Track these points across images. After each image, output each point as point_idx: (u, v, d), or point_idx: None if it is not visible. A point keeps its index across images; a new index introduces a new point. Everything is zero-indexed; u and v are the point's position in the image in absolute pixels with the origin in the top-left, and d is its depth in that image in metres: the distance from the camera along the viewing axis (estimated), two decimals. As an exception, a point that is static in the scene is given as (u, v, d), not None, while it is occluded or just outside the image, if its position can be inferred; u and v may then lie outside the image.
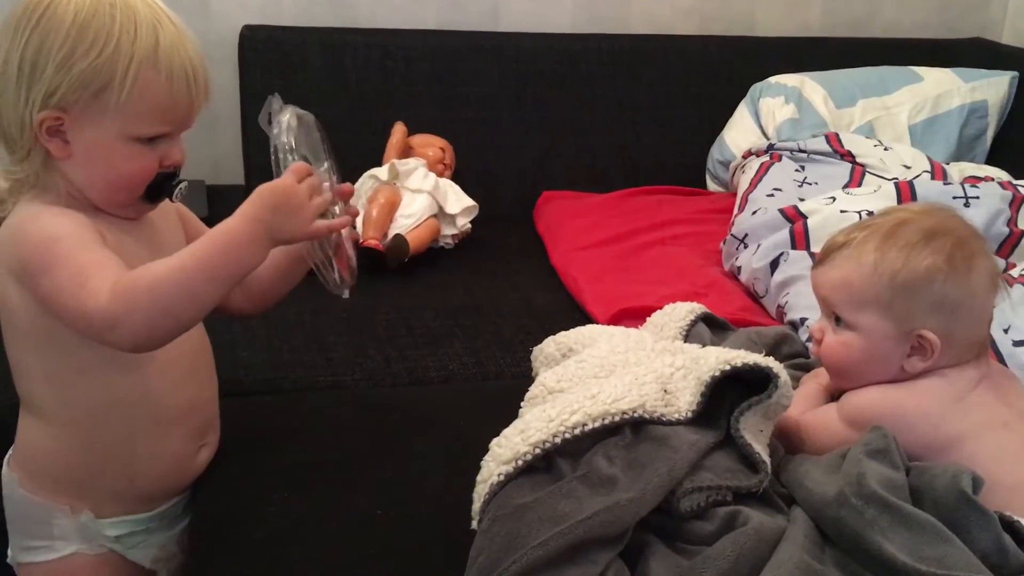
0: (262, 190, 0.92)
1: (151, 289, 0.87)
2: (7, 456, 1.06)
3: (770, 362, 0.93)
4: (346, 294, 1.04)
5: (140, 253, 0.96)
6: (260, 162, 2.04)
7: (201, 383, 1.08)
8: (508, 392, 1.12)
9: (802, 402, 1.07)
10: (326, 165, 1.01)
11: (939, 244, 0.96)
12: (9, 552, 1.07)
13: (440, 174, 1.96)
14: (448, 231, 1.90)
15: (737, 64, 2.30)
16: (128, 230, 0.97)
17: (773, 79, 2.23)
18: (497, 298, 1.72)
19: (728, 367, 0.93)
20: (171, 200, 0.98)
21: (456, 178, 2.00)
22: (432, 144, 2.01)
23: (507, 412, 1.07)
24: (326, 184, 0.98)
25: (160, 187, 0.96)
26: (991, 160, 2.19)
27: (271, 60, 2.04)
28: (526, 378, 1.17)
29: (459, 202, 1.90)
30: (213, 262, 0.89)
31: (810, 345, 1.27)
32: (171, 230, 1.05)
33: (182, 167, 0.98)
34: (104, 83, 0.88)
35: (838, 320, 1.02)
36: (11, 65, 0.89)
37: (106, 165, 0.92)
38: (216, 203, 2.01)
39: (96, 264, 0.89)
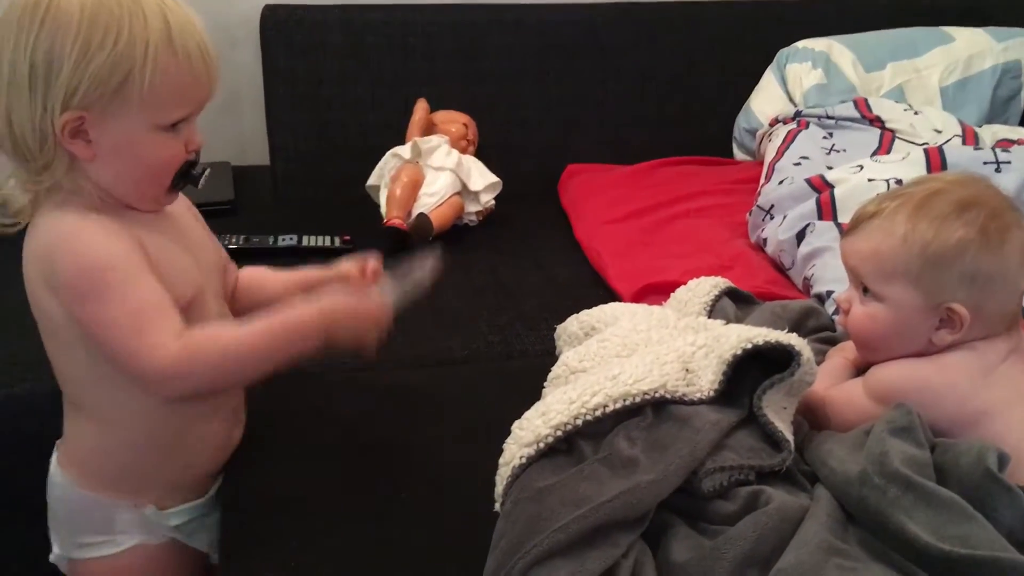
0: (353, 306, 0.98)
1: (217, 359, 0.91)
2: (54, 456, 1.05)
3: (792, 339, 0.92)
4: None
5: (171, 247, 0.96)
6: (284, 142, 2.06)
7: None
8: (533, 371, 1.12)
9: (827, 377, 1.06)
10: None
11: (972, 216, 0.95)
12: (56, 550, 1.07)
13: (463, 150, 1.95)
14: (472, 208, 1.90)
15: (763, 29, 2.26)
16: (155, 226, 0.96)
17: (800, 44, 2.19)
18: (521, 275, 1.71)
19: (750, 345, 0.92)
20: (196, 186, 0.97)
21: (480, 154, 2.00)
22: (455, 120, 2.00)
23: (532, 391, 1.08)
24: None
25: (185, 174, 0.95)
26: (1025, 122, 2.14)
27: (293, 39, 2.04)
28: (551, 356, 1.17)
29: (482, 179, 1.90)
30: (279, 345, 0.94)
31: (836, 317, 1.26)
32: (186, 216, 1.04)
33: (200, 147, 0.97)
34: (125, 74, 0.85)
35: (866, 291, 1.01)
36: (20, 72, 0.84)
37: (134, 158, 0.90)
38: (242, 185, 2.03)
39: (155, 307, 0.89)
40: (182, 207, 1.05)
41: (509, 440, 0.92)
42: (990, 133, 1.95)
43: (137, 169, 0.91)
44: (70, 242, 0.89)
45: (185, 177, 0.95)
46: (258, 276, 1.15)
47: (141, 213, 0.95)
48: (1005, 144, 1.81)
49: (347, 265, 1.10)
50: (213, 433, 1.07)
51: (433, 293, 1.60)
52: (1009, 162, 1.57)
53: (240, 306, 1.11)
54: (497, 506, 0.89)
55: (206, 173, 0.98)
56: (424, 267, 1.08)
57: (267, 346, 0.93)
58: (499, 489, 0.89)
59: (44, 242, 0.90)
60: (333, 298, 0.97)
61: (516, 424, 0.93)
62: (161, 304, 0.90)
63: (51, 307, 0.92)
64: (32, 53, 0.84)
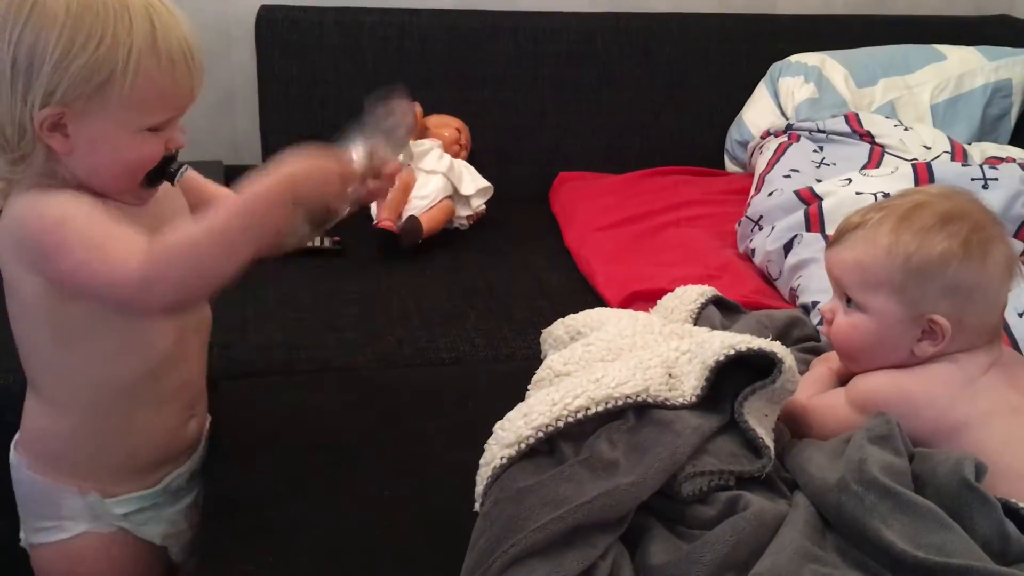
0: (310, 161, 0.90)
1: (188, 247, 0.86)
2: (14, 439, 1.07)
3: (775, 346, 0.93)
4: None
5: (147, 234, 0.95)
6: (277, 142, 2.06)
7: (193, 360, 1.09)
8: (519, 374, 1.13)
9: (811, 386, 1.07)
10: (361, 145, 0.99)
11: (955, 228, 0.95)
12: (21, 535, 1.09)
13: (456, 155, 1.96)
14: (463, 212, 1.91)
15: (757, 43, 2.27)
16: (134, 216, 0.95)
17: (793, 58, 2.21)
18: (510, 279, 1.72)
19: (732, 351, 0.92)
20: (171, 183, 0.97)
21: (472, 159, 2.00)
22: (448, 125, 2.01)
23: (517, 394, 1.08)
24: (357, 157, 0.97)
25: (161, 171, 0.94)
26: (1015, 140, 2.15)
27: (288, 40, 2.04)
28: (537, 360, 1.17)
29: (474, 183, 1.90)
30: (246, 221, 0.87)
31: (821, 327, 1.26)
32: (172, 205, 1.04)
33: (183, 148, 0.96)
34: (106, 76, 0.85)
35: (849, 301, 1.02)
36: (2, 66, 0.85)
37: (111, 155, 0.90)
38: (234, 183, 2.02)
39: (116, 233, 0.87)
40: (170, 196, 1.04)
41: (491, 441, 0.92)
42: (979, 151, 1.97)
43: (114, 165, 0.91)
44: (32, 208, 0.89)
45: (160, 174, 0.95)
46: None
47: (116, 204, 0.94)
48: (993, 161, 1.83)
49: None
50: (162, 422, 1.06)
51: (424, 295, 1.63)
52: (996, 179, 1.58)
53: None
54: (477, 506, 0.89)
55: (183, 170, 0.97)
56: (395, 113, 1.01)
57: (236, 226, 0.87)
58: (479, 489, 0.89)
59: (10, 216, 0.90)
60: (291, 161, 0.90)
61: (498, 425, 0.93)
62: (124, 231, 0.88)
63: (22, 283, 0.93)
64: (15, 47, 0.84)
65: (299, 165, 0.90)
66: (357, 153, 0.97)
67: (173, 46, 0.88)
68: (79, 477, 1.04)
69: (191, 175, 1.07)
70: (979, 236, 0.95)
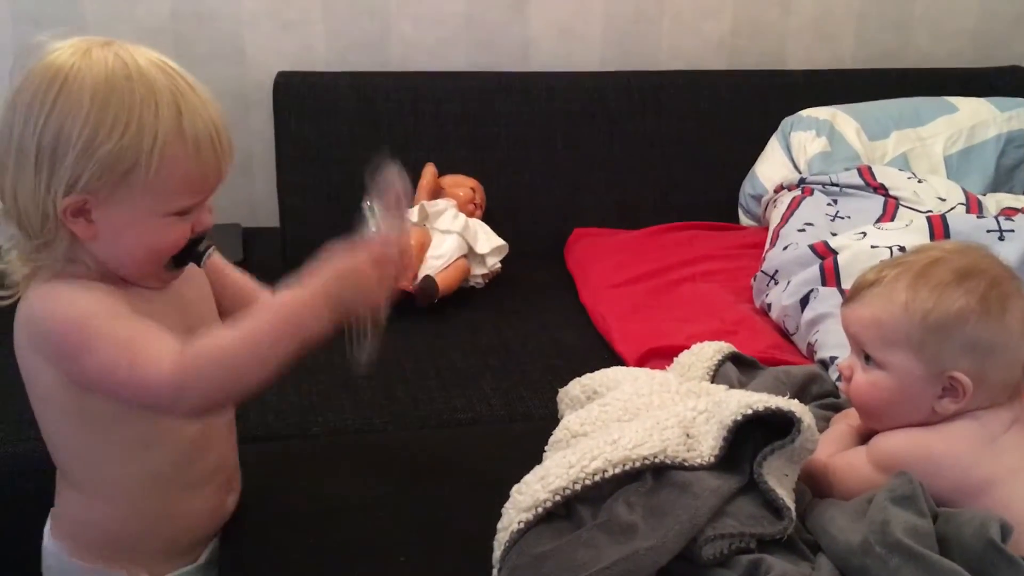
0: (340, 266, 0.89)
1: (218, 356, 0.86)
2: (48, 525, 1.04)
3: (793, 405, 0.92)
4: (361, 370, 0.98)
5: (170, 322, 0.93)
6: (294, 204, 2.09)
7: (226, 438, 1.08)
8: (535, 434, 1.12)
9: (831, 444, 1.05)
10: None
11: (972, 284, 0.95)
12: None
13: (471, 214, 1.98)
14: (478, 271, 1.92)
15: (768, 98, 2.29)
16: (154, 299, 0.94)
17: (804, 112, 2.22)
18: (526, 338, 1.72)
19: (750, 411, 0.92)
20: (199, 265, 0.95)
21: (487, 217, 2.02)
22: (463, 184, 2.02)
23: (533, 455, 1.07)
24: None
25: (187, 253, 0.93)
26: (1030, 191, 2.15)
27: (305, 104, 2.08)
28: (553, 419, 1.16)
29: (489, 242, 1.92)
30: (280, 333, 0.87)
31: (840, 384, 1.25)
32: (197, 289, 1.03)
33: (211, 230, 0.95)
34: (131, 164, 0.84)
35: (868, 358, 1.01)
36: (27, 152, 0.83)
37: (135, 241, 0.88)
38: (251, 246, 2.05)
39: (143, 334, 0.86)
40: (191, 277, 1.03)
41: (508, 504, 0.91)
42: (994, 202, 1.97)
43: (137, 250, 0.89)
44: (50, 304, 0.88)
45: (188, 256, 0.93)
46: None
47: (137, 290, 0.93)
48: (1009, 212, 1.82)
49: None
50: (203, 502, 1.05)
51: (439, 355, 1.62)
52: (1013, 231, 1.58)
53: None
54: (495, 572, 0.88)
55: (209, 251, 0.95)
56: (393, 185, 0.96)
57: (272, 335, 0.87)
58: (497, 554, 0.88)
59: (29, 310, 0.89)
60: (328, 266, 0.89)
61: (515, 488, 0.93)
62: (149, 330, 0.87)
63: (41, 375, 0.91)
64: (40, 134, 0.83)
65: (334, 271, 0.89)
66: (388, 232, 0.94)
67: (200, 130, 0.86)
68: (126, 561, 1.01)
69: (214, 258, 1.06)
70: (997, 292, 0.95)
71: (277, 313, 0.88)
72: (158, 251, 0.91)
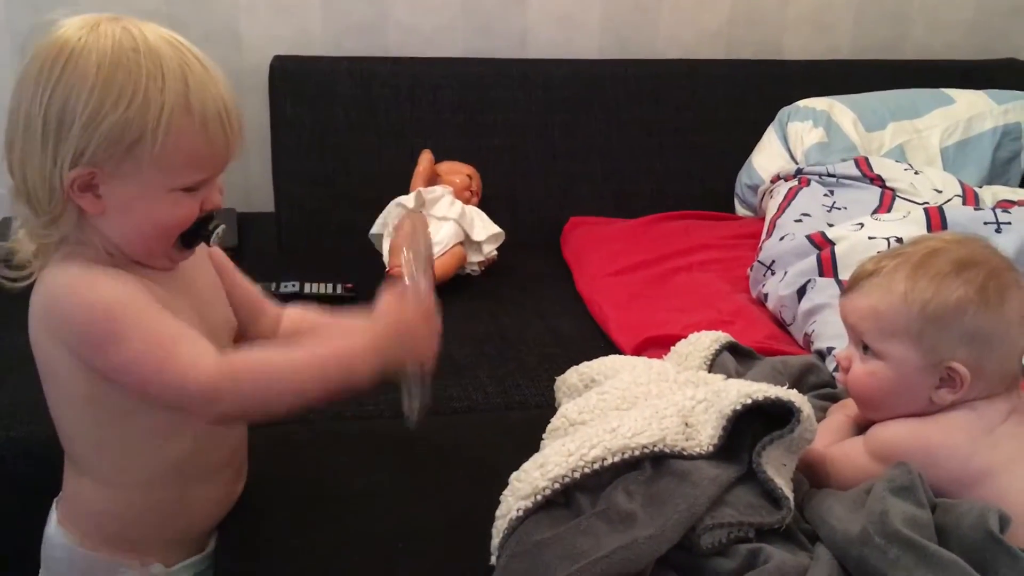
0: (396, 320, 0.93)
1: (262, 374, 0.87)
2: (53, 514, 1.03)
3: (792, 395, 0.92)
4: (413, 424, 1.01)
5: (181, 305, 0.93)
6: (289, 190, 2.08)
7: (234, 430, 1.07)
8: (532, 422, 1.12)
9: (828, 434, 1.06)
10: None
11: (971, 275, 0.95)
12: None
13: (467, 201, 1.97)
14: (474, 258, 1.91)
15: (765, 88, 2.29)
16: (164, 283, 0.93)
17: (801, 103, 2.22)
18: (522, 326, 1.72)
19: (749, 400, 0.92)
20: (208, 244, 0.94)
21: (483, 205, 2.01)
22: (459, 171, 2.02)
23: (531, 443, 1.07)
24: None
25: (196, 232, 0.91)
26: (1025, 183, 2.15)
27: (301, 89, 2.07)
28: (550, 407, 1.17)
29: (485, 229, 1.91)
30: (327, 371, 0.90)
31: (837, 374, 1.25)
32: (204, 275, 1.02)
33: (220, 208, 0.94)
34: (136, 136, 0.83)
35: (866, 348, 1.01)
36: (34, 125, 0.83)
37: (142, 217, 0.87)
38: (246, 231, 2.04)
39: (177, 332, 0.86)
40: (202, 260, 1.03)
41: (506, 492, 0.91)
42: (990, 194, 1.97)
43: (146, 226, 0.88)
44: (76, 291, 0.86)
45: (196, 235, 0.92)
46: (306, 319, 1.12)
47: (149, 272, 0.92)
48: (1005, 205, 1.82)
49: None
50: (216, 491, 1.05)
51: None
52: (1009, 223, 1.58)
53: (301, 335, 1.09)
54: (493, 559, 0.88)
55: (219, 231, 0.94)
56: (418, 231, 1.01)
57: (319, 371, 0.89)
58: (495, 542, 0.88)
59: (49, 295, 0.88)
60: (384, 317, 0.92)
61: (514, 476, 0.93)
62: (185, 329, 0.87)
63: (58, 363, 0.90)
64: (47, 108, 0.83)
65: (390, 324, 0.92)
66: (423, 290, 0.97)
67: (208, 105, 0.85)
68: (139, 550, 1.01)
69: (226, 261, 1.08)
70: (996, 283, 0.95)
71: (331, 351, 0.91)
72: (166, 227, 0.89)
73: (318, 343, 0.92)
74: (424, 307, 0.94)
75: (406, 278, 0.97)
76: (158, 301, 0.89)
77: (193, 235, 0.92)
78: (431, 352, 0.96)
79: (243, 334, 1.08)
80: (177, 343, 0.86)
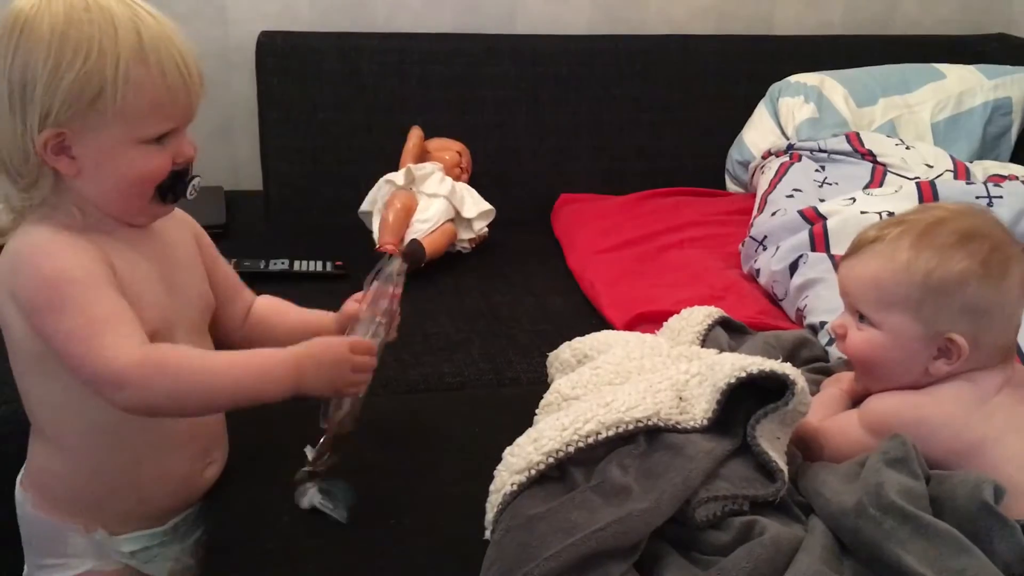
0: (322, 349, 0.94)
1: (175, 374, 0.88)
2: (20, 475, 1.05)
3: (787, 368, 0.92)
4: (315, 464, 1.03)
5: (145, 275, 0.94)
6: (277, 167, 2.06)
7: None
8: (524, 398, 1.12)
9: (822, 408, 1.05)
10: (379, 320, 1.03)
11: (975, 247, 0.94)
12: (25, 570, 1.07)
13: (457, 178, 1.96)
14: (465, 235, 1.90)
15: (756, 63, 2.27)
16: (138, 246, 0.95)
17: (792, 78, 2.21)
18: (514, 302, 1.71)
19: (744, 374, 0.91)
20: (186, 197, 0.96)
21: (473, 181, 2.00)
22: (449, 148, 2.00)
23: (524, 418, 1.07)
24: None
25: (172, 185, 0.94)
26: (1016, 158, 2.15)
27: (288, 65, 2.04)
28: (542, 384, 1.16)
29: (476, 206, 1.90)
30: (239, 380, 0.91)
31: (829, 349, 1.25)
32: (184, 248, 1.04)
33: (194, 161, 0.96)
34: (97, 90, 0.85)
35: (861, 317, 1.00)
36: (1, 94, 0.86)
37: (116, 172, 0.90)
38: (234, 210, 2.02)
39: (114, 317, 0.87)
40: (184, 235, 1.05)
41: (500, 467, 0.91)
42: (981, 169, 1.97)
43: (121, 182, 0.91)
44: (34, 255, 0.89)
45: (171, 189, 0.94)
46: (277, 308, 1.14)
47: (123, 234, 0.94)
48: (996, 179, 1.82)
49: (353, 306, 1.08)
50: (174, 468, 1.04)
51: (427, 319, 1.61)
52: (1001, 197, 1.58)
53: (253, 335, 1.12)
54: (488, 533, 0.88)
55: (194, 183, 0.96)
56: (387, 285, 1.04)
57: (233, 381, 0.91)
58: (490, 516, 0.88)
59: (12, 254, 0.90)
60: (313, 345, 0.94)
61: (507, 450, 0.92)
62: (122, 315, 0.88)
63: (14, 322, 0.92)
64: (9, 75, 0.85)
65: (313, 353, 0.94)
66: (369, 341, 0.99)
67: (163, 55, 0.88)
68: (85, 516, 1.02)
69: (209, 243, 1.10)
70: (999, 256, 0.94)
71: (248, 363, 0.93)
72: (140, 180, 0.92)
73: (240, 353, 0.94)
74: (358, 360, 0.96)
75: (359, 325, 1.01)
76: (125, 266, 0.92)
77: (169, 188, 0.94)
78: (352, 391, 0.98)
79: (219, 315, 1.10)
80: (106, 326, 0.87)
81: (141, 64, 0.87)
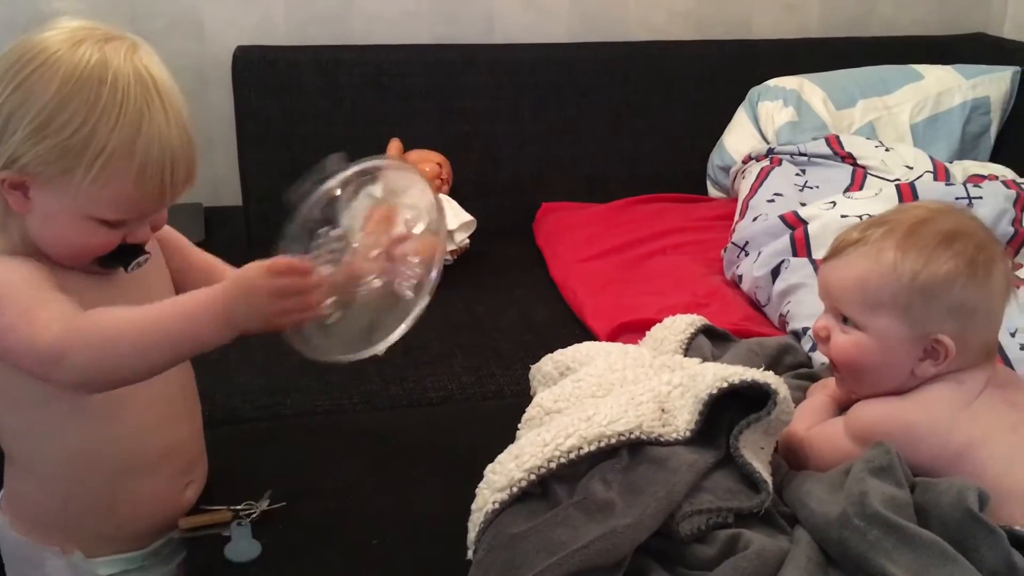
0: (239, 277, 0.87)
1: (104, 331, 0.84)
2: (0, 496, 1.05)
3: (769, 377, 0.91)
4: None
5: (100, 299, 0.91)
6: (257, 183, 2.04)
7: (180, 424, 1.05)
8: (507, 411, 1.10)
9: (809, 416, 1.04)
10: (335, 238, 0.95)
11: (960, 247, 0.94)
12: None
13: (438, 189, 1.94)
14: (446, 247, 1.89)
15: (735, 68, 2.28)
16: (97, 284, 0.94)
17: (771, 82, 2.21)
18: (497, 314, 1.70)
19: (726, 384, 0.90)
20: (126, 271, 0.94)
21: (454, 192, 1.99)
22: (429, 159, 1.99)
23: (507, 432, 1.06)
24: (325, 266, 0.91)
25: (115, 257, 0.92)
26: (995, 157, 2.16)
27: (265, 80, 2.03)
28: (525, 396, 1.15)
29: (457, 218, 1.89)
30: (169, 327, 0.85)
31: (813, 355, 1.25)
32: (152, 273, 1.01)
33: (148, 241, 0.94)
34: (71, 165, 0.84)
35: (845, 320, 0.99)
36: None
37: (62, 232, 0.89)
38: (214, 226, 2.01)
39: (46, 299, 0.86)
40: (150, 275, 1.01)
41: (482, 485, 0.90)
42: (961, 169, 1.97)
43: (61, 243, 0.90)
44: None
45: (113, 260, 0.92)
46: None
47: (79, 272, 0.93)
48: (976, 180, 1.83)
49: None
50: (151, 491, 1.02)
51: (409, 333, 1.60)
52: (981, 197, 1.58)
53: None
54: (470, 553, 0.86)
55: (139, 261, 0.93)
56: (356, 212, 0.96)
57: (163, 330, 0.85)
58: (472, 536, 0.87)
59: None
60: (236, 275, 0.87)
61: (489, 468, 0.91)
62: (54, 298, 0.86)
63: None
64: (1, 101, 0.84)
65: (233, 284, 0.86)
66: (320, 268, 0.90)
67: (152, 156, 0.86)
68: (62, 538, 1.01)
69: (175, 237, 1.06)
70: (984, 255, 0.94)
71: (174, 309, 0.87)
72: (82, 249, 0.90)
73: (168, 301, 0.89)
74: (279, 283, 0.86)
75: (284, 241, 0.92)
76: (78, 296, 0.88)
77: (111, 259, 0.92)
78: (286, 321, 0.88)
79: None
80: (39, 309, 0.85)
81: (125, 159, 0.85)
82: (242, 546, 0.99)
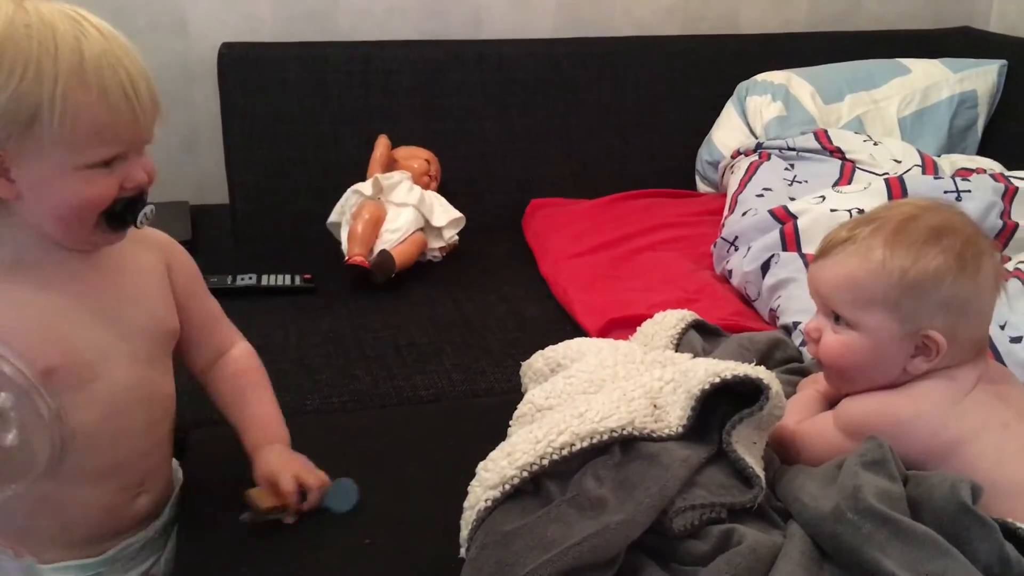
0: None
1: None
2: None
3: (761, 372, 0.91)
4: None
5: (63, 306, 0.90)
6: (244, 180, 2.03)
7: (135, 437, 1.00)
8: (499, 409, 1.10)
9: (799, 410, 1.05)
10: None
11: (949, 242, 0.94)
12: None
13: (426, 186, 1.94)
14: (435, 244, 1.88)
15: (722, 63, 2.27)
16: (83, 270, 0.91)
17: (759, 77, 2.21)
18: (486, 311, 1.69)
19: (718, 379, 0.90)
20: (136, 226, 0.91)
21: (442, 189, 1.98)
22: (417, 156, 1.98)
23: (498, 430, 1.05)
24: None
25: (119, 213, 0.88)
26: (982, 151, 2.17)
27: (251, 77, 2.01)
28: (516, 393, 1.15)
29: (445, 214, 1.88)
30: None
31: (803, 349, 1.25)
32: (141, 273, 0.98)
33: (148, 187, 0.90)
34: (32, 112, 0.81)
35: (837, 319, 0.99)
36: None
37: (56, 198, 0.85)
38: (200, 224, 1.99)
39: None
40: (150, 260, 1.00)
41: (474, 482, 0.89)
42: (949, 162, 1.98)
43: (61, 208, 0.86)
44: None
45: (115, 217, 0.89)
46: (240, 388, 1.12)
47: (54, 262, 0.90)
48: (964, 173, 1.83)
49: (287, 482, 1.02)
50: (98, 499, 0.98)
51: (399, 331, 1.59)
52: (969, 191, 1.58)
53: (213, 386, 1.11)
54: (463, 552, 0.86)
55: (146, 212, 0.90)
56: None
57: None
58: (464, 534, 0.86)
59: None
60: None
61: (481, 465, 0.90)
62: None
63: None
64: None
65: None
66: None
67: (106, 76, 0.83)
68: (13, 541, 0.97)
69: (190, 268, 1.05)
70: (973, 250, 0.94)
71: None
72: (82, 207, 0.87)
73: None
74: None
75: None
76: (67, 290, 0.89)
77: (115, 216, 0.89)
78: None
79: (186, 349, 1.08)
80: None
81: (80, 86, 0.82)
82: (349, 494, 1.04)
